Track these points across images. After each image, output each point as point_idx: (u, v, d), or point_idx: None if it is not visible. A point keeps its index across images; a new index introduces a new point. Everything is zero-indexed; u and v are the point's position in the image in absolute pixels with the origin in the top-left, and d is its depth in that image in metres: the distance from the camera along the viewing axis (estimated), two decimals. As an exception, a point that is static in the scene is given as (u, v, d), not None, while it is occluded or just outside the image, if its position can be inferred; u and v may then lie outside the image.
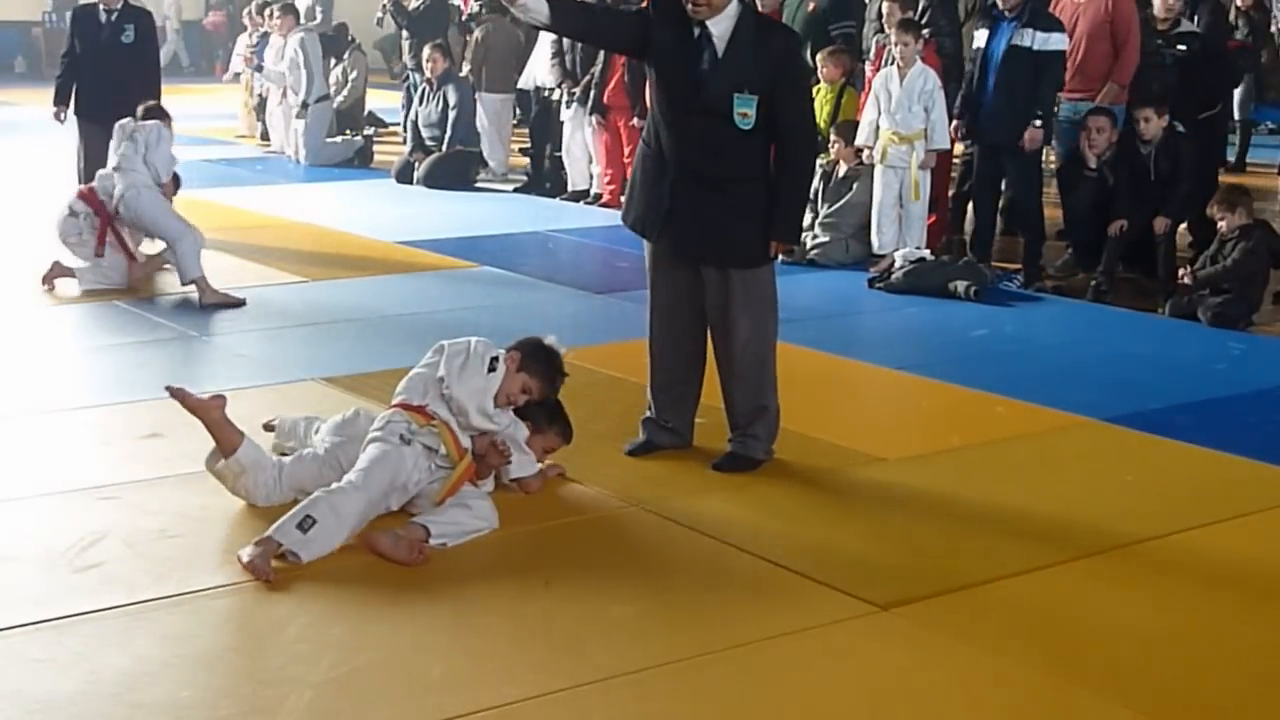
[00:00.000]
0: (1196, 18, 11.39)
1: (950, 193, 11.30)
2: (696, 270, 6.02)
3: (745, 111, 5.72)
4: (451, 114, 14.34)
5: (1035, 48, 9.56)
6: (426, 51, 14.62)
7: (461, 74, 14.79)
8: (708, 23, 5.73)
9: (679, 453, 6.23)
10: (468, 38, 15.10)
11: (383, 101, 19.21)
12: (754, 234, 5.91)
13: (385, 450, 5.30)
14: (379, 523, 5.21)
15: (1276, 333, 8.75)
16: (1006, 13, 9.74)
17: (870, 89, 10.57)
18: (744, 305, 5.97)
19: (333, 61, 17.13)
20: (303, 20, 17.50)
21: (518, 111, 15.44)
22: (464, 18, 15.94)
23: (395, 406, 5.51)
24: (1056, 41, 9.65)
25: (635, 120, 12.56)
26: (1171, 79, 10.10)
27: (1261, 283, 8.96)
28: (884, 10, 11.03)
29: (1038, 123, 9.66)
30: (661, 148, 5.93)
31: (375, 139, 17.08)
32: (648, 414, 6.29)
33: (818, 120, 11.04)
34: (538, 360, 5.67)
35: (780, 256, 6.11)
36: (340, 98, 17.11)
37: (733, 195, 5.87)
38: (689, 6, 5.71)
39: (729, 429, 6.17)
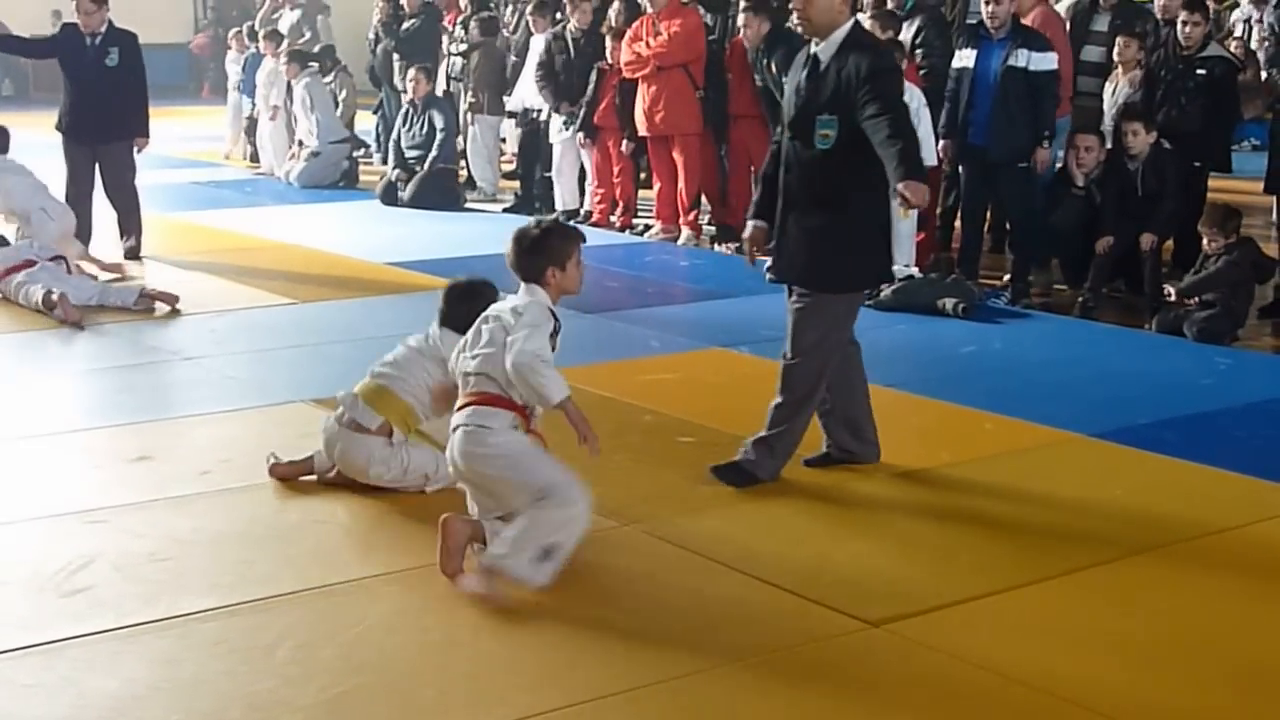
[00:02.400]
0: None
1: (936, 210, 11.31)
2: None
3: (826, 132, 5.81)
4: (440, 135, 14.36)
5: (1031, 68, 9.57)
6: (410, 73, 14.65)
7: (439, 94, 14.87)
8: (818, 50, 5.88)
9: (669, 473, 6.23)
10: (464, 59, 15.11)
11: (369, 123, 19.18)
12: (831, 258, 5.95)
13: (526, 445, 5.18)
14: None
15: (1262, 348, 8.77)
16: (994, 33, 9.76)
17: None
18: (809, 323, 6.04)
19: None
20: (289, 40, 17.57)
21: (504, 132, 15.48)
22: (451, 40, 15.92)
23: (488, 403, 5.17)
24: (1050, 61, 9.69)
25: (625, 143, 12.59)
26: (1193, 105, 10.06)
27: (1246, 297, 8.98)
28: (868, 27, 11.05)
29: (1046, 144, 9.71)
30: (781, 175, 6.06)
31: (361, 160, 17.11)
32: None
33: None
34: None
35: (907, 211, 5.92)
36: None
37: (817, 219, 5.94)
38: (799, 25, 5.78)
39: (753, 438, 6.14)
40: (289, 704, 4.18)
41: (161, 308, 9.51)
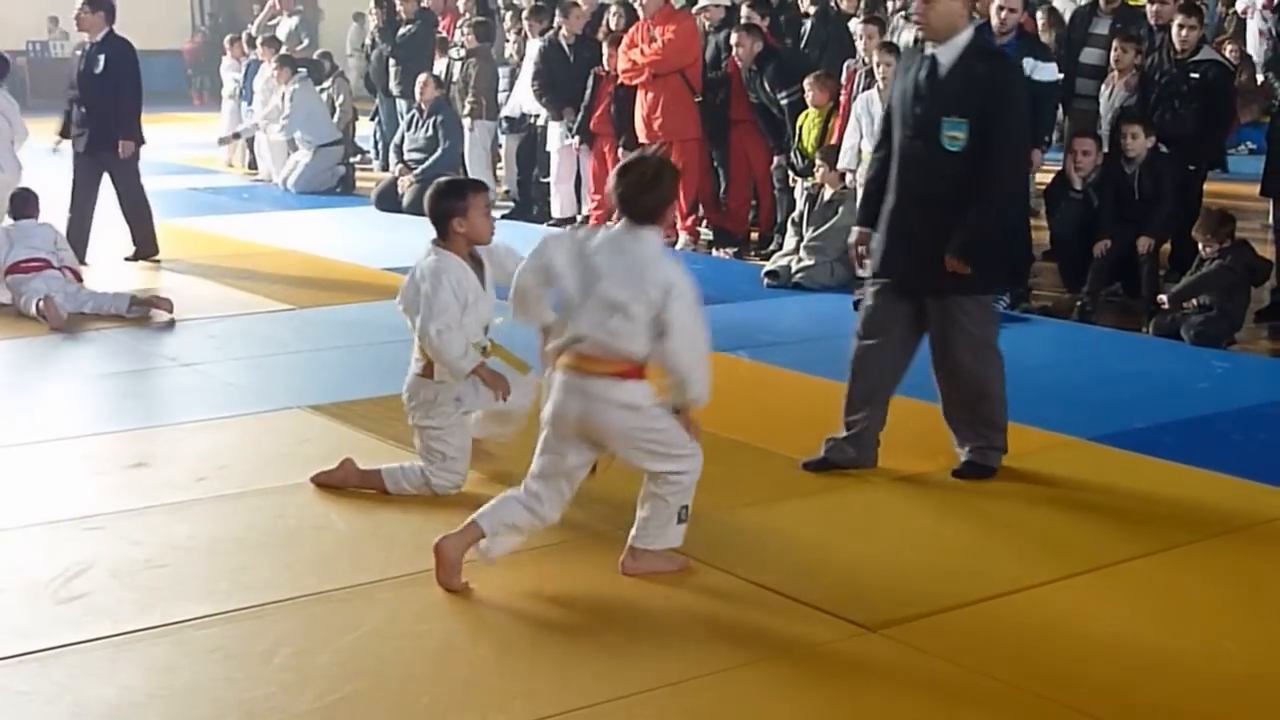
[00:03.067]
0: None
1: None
2: (911, 299, 6.14)
3: (955, 135, 5.89)
4: (444, 144, 14.36)
5: (1035, 77, 9.57)
6: (421, 78, 14.64)
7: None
8: (936, 52, 5.98)
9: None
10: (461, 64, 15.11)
11: (365, 129, 19.18)
12: (973, 261, 5.97)
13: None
14: None
15: (1259, 351, 8.78)
16: (1000, 39, 9.77)
17: (851, 113, 10.60)
18: (959, 332, 6.08)
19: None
20: (285, 46, 17.58)
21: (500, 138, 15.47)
22: (448, 46, 15.94)
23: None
24: (1051, 71, 9.72)
25: (620, 150, 12.59)
26: (1187, 109, 10.06)
27: (1243, 300, 8.98)
28: (860, 33, 11.07)
29: (1043, 148, 9.78)
30: (891, 178, 6.13)
31: (358, 166, 17.14)
32: (834, 434, 6.38)
33: (805, 144, 11.11)
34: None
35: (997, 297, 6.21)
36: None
37: (947, 220, 5.95)
38: (919, 29, 5.90)
39: (957, 441, 6.30)
40: (285, 710, 4.18)
41: (159, 314, 9.50)
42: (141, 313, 9.51)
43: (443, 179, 6.12)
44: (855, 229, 6.45)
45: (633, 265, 4.90)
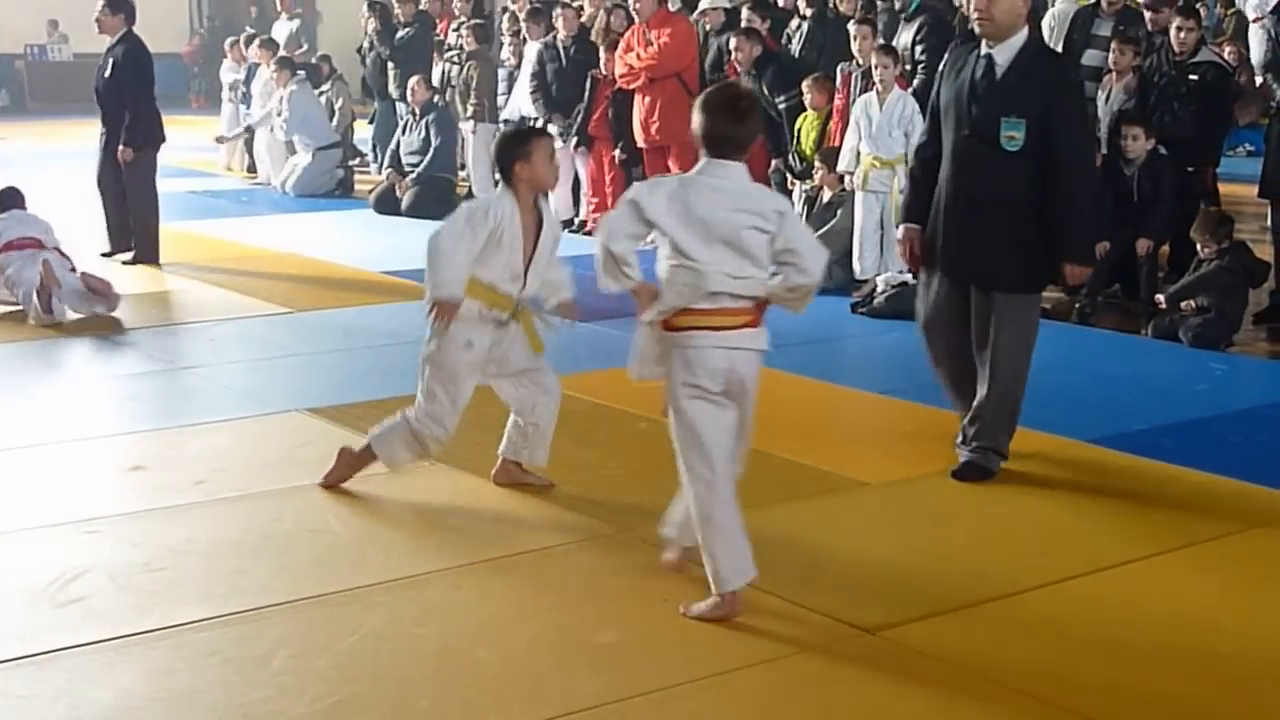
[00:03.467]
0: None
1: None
2: (964, 290, 6.22)
3: (1012, 134, 5.95)
4: (435, 142, 14.38)
5: None
6: (411, 81, 14.65)
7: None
8: (992, 51, 6.03)
9: (665, 481, 6.22)
10: (459, 67, 15.13)
11: (364, 132, 19.19)
12: (1017, 259, 6.08)
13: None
14: None
15: (1257, 353, 8.78)
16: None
17: (850, 115, 10.60)
18: (1002, 326, 6.13)
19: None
20: (284, 49, 17.59)
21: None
22: (446, 48, 15.94)
23: None
24: None
25: (617, 153, 12.61)
26: (1185, 110, 10.05)
27: (1241, 302, 8.98)
28: (854, 35, 11.07)
29: None
30: (943, 175, 6.20)
31: (355, 169, 17.15)
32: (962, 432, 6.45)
33: (803, 146, 11.11)
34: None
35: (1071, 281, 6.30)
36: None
37: (1000, 219, 6.04)
38: (974, 17, 6.01)
39: (961, 437, 6.34)
40: (283, 714, 4.17)
41: (101, 305, 9.60)
42: (90, 304, 9.59)
43: (510, 128, 6.20)
44: (902, 226, 6.50)
45: (741, 201, 4.77)
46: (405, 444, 5.93)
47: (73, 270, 9.72)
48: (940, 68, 6.42)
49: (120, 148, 11.29)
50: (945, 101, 6.23)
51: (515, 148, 5.86)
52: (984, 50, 6.10)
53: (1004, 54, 6.04)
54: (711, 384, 4.85)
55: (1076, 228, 6.10)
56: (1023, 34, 6.09)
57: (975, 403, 6.28)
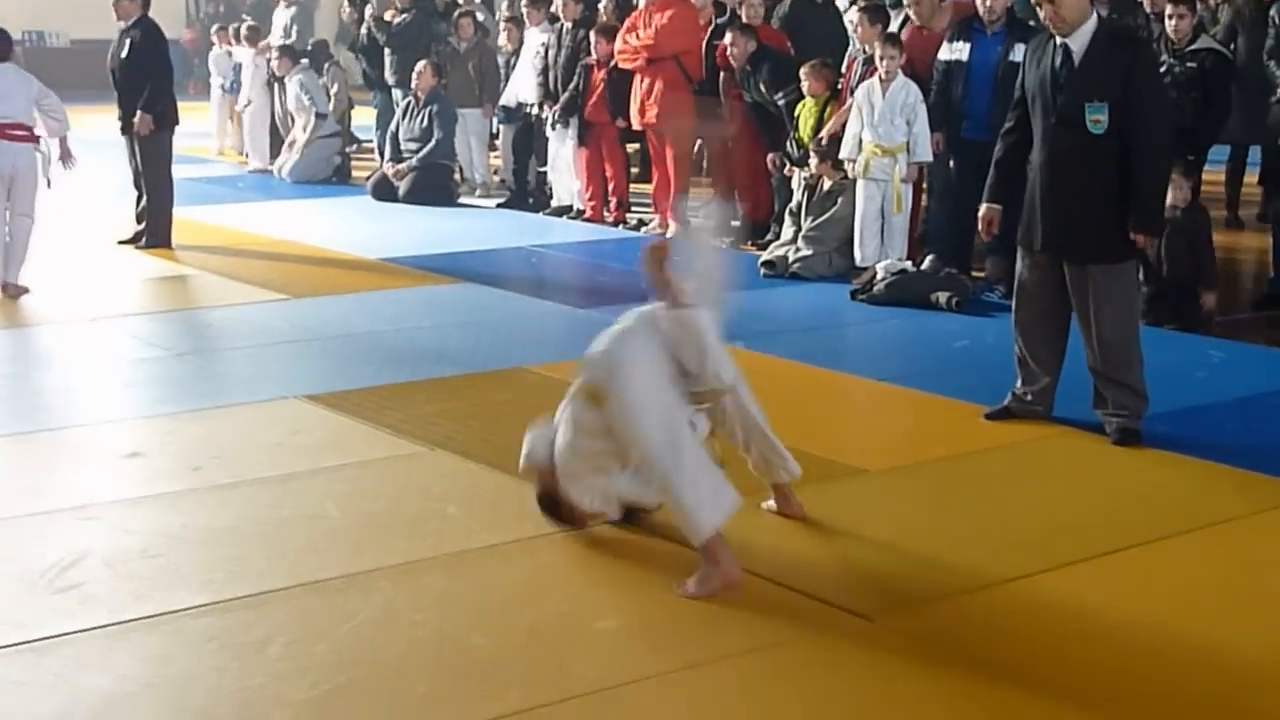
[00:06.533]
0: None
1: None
2: (1056, 268, 6.60)
3: (1097, 118, 6.33)
4: (438, 134, 14.37)
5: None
6: (419, 66, 14.62)
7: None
8: (1068, 41, 6.40)
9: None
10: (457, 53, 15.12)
11: (361, 118, 19.18)
12: (1109, 231, 6.43)
13: None
14: None
15: (1254, 340, 8.76)
16: (989, 26, 9.75)
17: (853, 102, 10.57)
18: (1104, 299, 6.49)
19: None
20: (279, 37, 17.59)
21: (498, 127, 15.47)
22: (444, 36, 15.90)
23: None
24: None
25: (618, 122, 12.60)
26: (1185, 98, 10.01)
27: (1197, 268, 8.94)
28: (854, 22, 11.03)
29: None
30: (1036, 160, 6.62)
31: (353, 156, 17.14)
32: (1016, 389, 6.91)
33: (802, 134, 11.08)
34: None
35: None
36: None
37: (1091, 196, 6.43)
38: (1050, 26, 6.39)
39: (1101, 404, 6.67)
40: (281, 700, 4.17)
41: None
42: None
43: None
44: (984, 205, 6.94)
45: None
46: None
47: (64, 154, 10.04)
48: (1022, 57, 6.86)
49: (140, 114, 11.33)
50: (1030, 90, 6.61)
51: None
52: (1059, 41, 6.44)
53: (1078, 41, 6.39)
54: None
55: (1149, 200, 6.46)
56: (1093, 20, 6.44)
57: (1093, 367, 6.65)
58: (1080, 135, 6.38)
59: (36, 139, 9.93)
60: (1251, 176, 12.09)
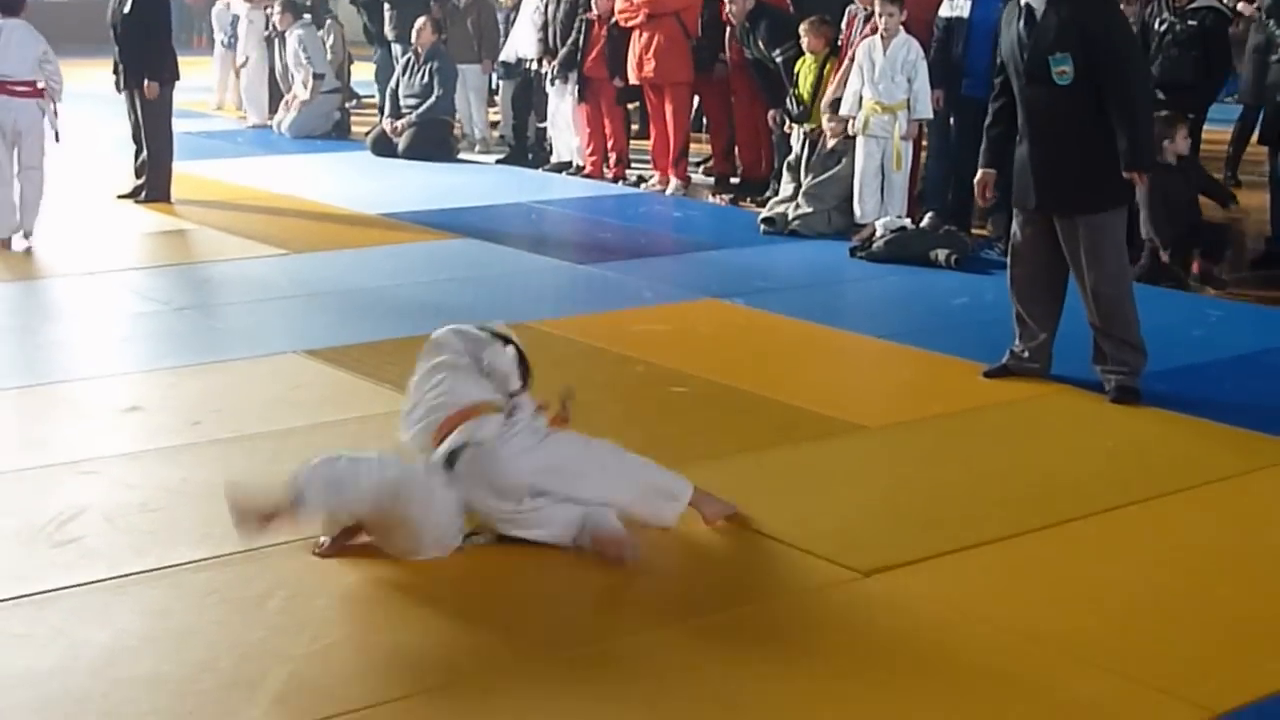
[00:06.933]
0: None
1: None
2: (1048, 225, 6.67)
3: (1062, 69, 6.42)
4: (438, 91, 14.32)
5: None
6: (419, 22, 14.56)
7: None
8: (1029, 1, 6.51)
9: (662, 423, 6.25)
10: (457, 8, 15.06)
11: (361, 74, 19.13)
12: (1091, 181, 6.51)
13: None
14: None
15: (1252, 299, 8.76)
16: None
17: (854, 59, 10.53)
18: (1094, 254, 6.54)
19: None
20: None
21: (498, 83, 15.42)
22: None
23: None
24: None
25: (617, 82, 12.56)
26: (1185, 56, 9.98)
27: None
28: None
29: None
30: (1020, 121, 6.71)
31: (353, 111, 17.09)
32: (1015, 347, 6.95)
33: (801, 90, 11.04)
34: None
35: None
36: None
37: (1070, 149, 6.52)
38: None
39: (1100, 359, 6.71)
40: (280, 654, 4.18)
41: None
42: None
43: None
44: (980, 170, 7.01)
45: None
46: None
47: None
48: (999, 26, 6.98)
49: (148, 83, 11.31)
50: (1005, 56, 6.73)
51: None
52: (1023, 2, 6.55)
53: (1038, 0, 6.48)
54: None
55: (1138, 137, 6.44)
56: None
57: (1091, 322, 6.69)
58: (1050, 90, 6.46)
59: (42, 93, 9.93)
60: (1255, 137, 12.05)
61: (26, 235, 9.91)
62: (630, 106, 13.55)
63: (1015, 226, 6.90)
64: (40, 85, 9.92)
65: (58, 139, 10.07)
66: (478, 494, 4.83)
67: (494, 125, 15.56)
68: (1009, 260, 6.97)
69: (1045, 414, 6.48)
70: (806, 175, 10.68)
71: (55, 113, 10.06)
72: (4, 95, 9.78)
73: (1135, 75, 6.60)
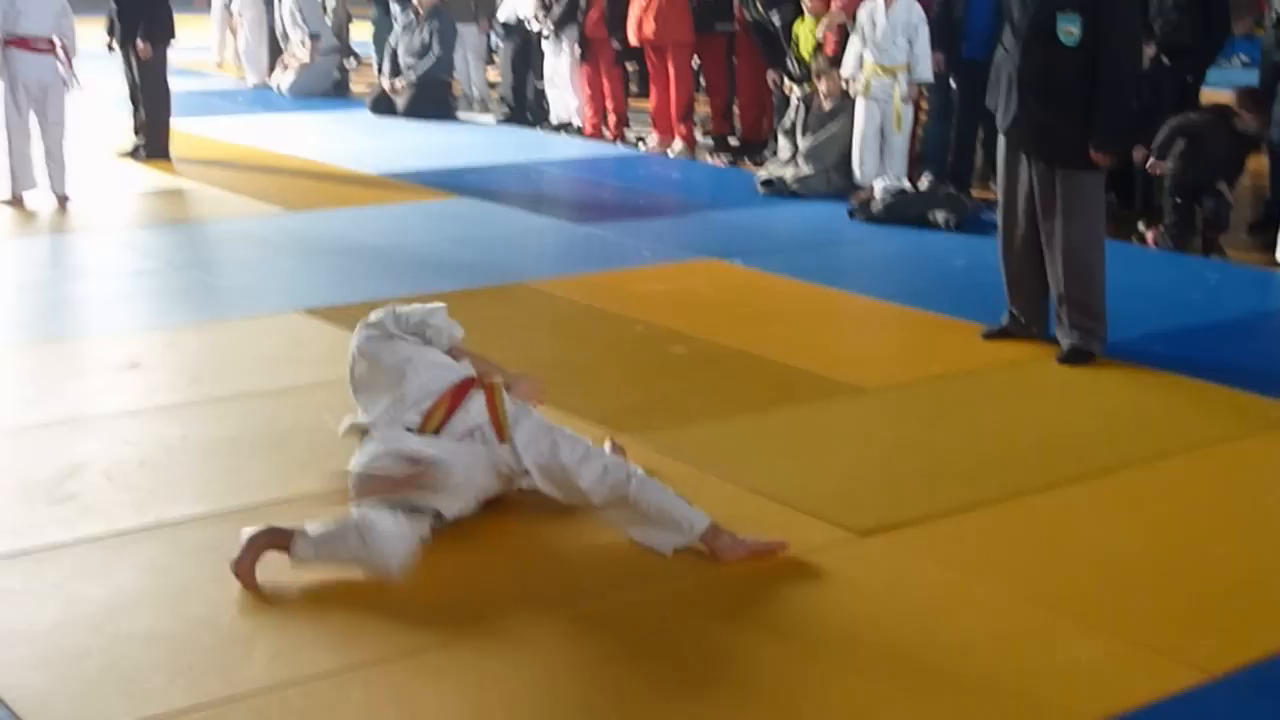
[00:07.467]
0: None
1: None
2: (1027, 168, 6.65)
3: (1069, 29, 6.38)
4: (438, 51, 14.29)
5: None
6: None
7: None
8: None
9: (661, 383, 6.25)
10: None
11: (360, 33, 19.07)
12: (1076, 139, 6.45)
13: None
14: None
15: (1251, 261, 8.76)
16: None
17: (855, 20, 10.50)
18: (1069, 211, 6.53)
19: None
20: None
21: (498, 43, 15.38)
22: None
23: None
24: None
25: (615, 44, 12.53)
26: (1184, 19, 9.93)
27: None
28: None
29: None
30: (1005, 57, 6.69)
31: (352, 70, 17.04)
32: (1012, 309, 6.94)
33: (801, 51, 11.02)
34: None
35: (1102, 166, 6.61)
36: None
37: (1063, 104, 6.45)
38: None
39: (1059, 320, 6.70)
40: (279, 610, 4.18)
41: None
42: None
43: None
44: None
45: None
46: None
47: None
48: None
49: (140, 43, 11.27)
50: (1009, 6, 6.67)
51: None
52: None
53: None
54: None
55: (1109, 117, 6.43)
56: None
57: (1053, 281, 6.66)
58: (1053, 47, 6.40)
59: (62, 49, 9.95)
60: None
61: (63, 198, 9.96)
62: (630, 69, 13.52)
63: (999, 161, 6.85)
64: (59, 42, 9.93)
65: (80, 85, 10.18)
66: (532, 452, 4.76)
67: (492, 86, 15.52)
68: (999, 223, 6.92)
69: (1044, 376, 6.48)
70: (803, 137, 10.65)
71: (70, 66, 10.06)
72: (31, 53, 9.83)
73: (1128, 58, 6.59)
